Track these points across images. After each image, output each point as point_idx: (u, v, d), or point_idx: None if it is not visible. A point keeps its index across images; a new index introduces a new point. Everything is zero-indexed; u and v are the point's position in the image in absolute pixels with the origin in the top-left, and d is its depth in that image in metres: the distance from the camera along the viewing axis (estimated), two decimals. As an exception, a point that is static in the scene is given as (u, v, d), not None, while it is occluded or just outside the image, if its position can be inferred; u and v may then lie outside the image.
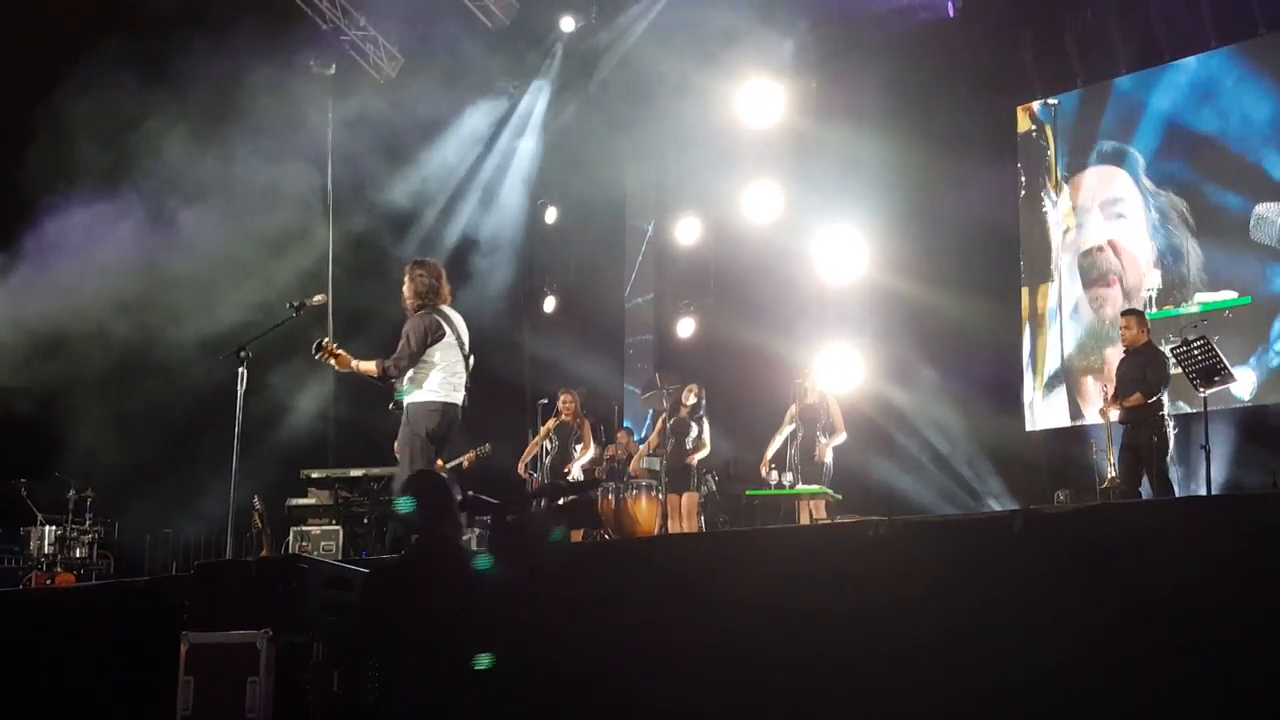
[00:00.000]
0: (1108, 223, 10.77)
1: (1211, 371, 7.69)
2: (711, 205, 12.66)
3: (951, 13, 11.14)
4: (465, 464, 9.68)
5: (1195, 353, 7.76)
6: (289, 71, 11.41)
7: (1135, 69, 10.65)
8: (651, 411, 11.92)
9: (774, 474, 9.14)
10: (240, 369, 6.39)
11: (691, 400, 9.79)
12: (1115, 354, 9.18)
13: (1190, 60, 10.34)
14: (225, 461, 6.44)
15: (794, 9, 11.62)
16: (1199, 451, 7.93)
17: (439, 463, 6.75)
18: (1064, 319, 10.90)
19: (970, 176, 10.85)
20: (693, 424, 9.74)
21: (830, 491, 9.05)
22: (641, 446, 10.49)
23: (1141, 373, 8.17)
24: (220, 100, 10.67)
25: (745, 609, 3.84)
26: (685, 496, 9.61)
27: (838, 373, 10.55)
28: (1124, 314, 8.62)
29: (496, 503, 4.40)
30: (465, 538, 6.19)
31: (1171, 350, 8.10)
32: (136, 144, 10.42)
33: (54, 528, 10.48)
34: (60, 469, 10.66)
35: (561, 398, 10.23)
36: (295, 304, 6.72)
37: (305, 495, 10.16)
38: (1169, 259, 10.31)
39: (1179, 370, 7.99)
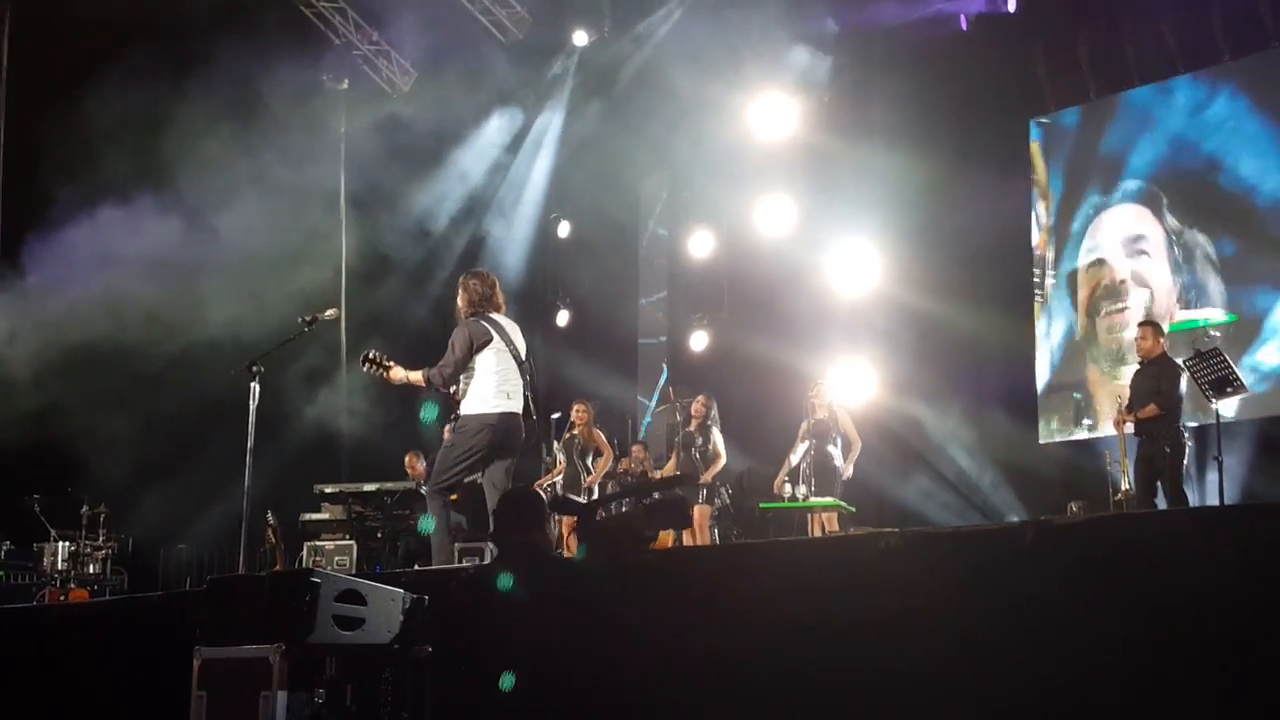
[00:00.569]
0: (1130, 260, 10.71)
1: (1224, 383, 7.70)
2: (725, 219, 12.68)
3: (964, 26, 11.15)
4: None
5: (1208, 364, 7.77)
6: (303, 86, 11.49)
7: (1148, 81, 10.63)
8: (667, 425, 11.91)
9: (788, 487, 9.13)
10: (252, 384, 6.41)
11: (700, 412, 9.78)
12: (1130, 370, 9.15)
13: (1201, 74, 10.33)
14: (238, 475, 6.45)
15: (807, 23, 11.64)
16: (1213, 463, 7.91)
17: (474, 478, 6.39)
18: (1077, 335, 10.90)
19: (983, 189, 10.85)
20: (699, 436, 9.73)
21: (843, 504, 9.03)
22: (664, 467, 10.41)
23: (1156, 384, 8.14)
24: (234, 113, 10.74)
25: (753, 621, 3.83)
26: (697, 510, 9.59)
27: (851, 386, 10.53)
28: (1140, 325, 8.61)
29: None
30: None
31: (1185, 361, 8.08)
32: (148, 157, 10.48)
33: (67, 543, 10.53)
34: (74, 485, 10.71)
35: (575, 409, 10.23)
36: (307, 319, 6.72)
37: (318, 510, 10.17)
38: (1192, 294, 10.25)
39: (1194, 382, 7.98)
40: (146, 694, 5.43)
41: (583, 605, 4.03)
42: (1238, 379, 7.72)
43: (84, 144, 10.24)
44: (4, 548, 10.76)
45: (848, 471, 9.18)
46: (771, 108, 11.57)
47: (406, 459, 10.69)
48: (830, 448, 9.20)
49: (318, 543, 9.81)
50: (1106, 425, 9.69)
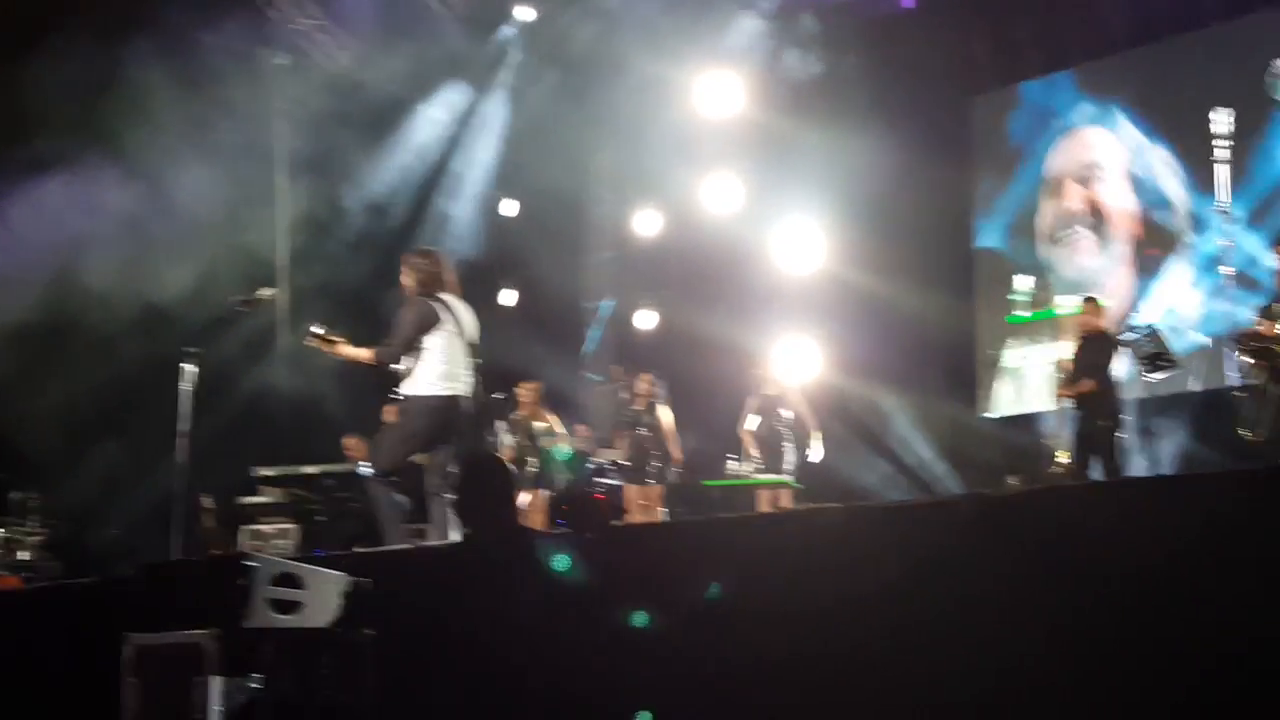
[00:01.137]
0: (1082, 186, 10.82)
1: (1157, 358, 7.87)
2: (672, 197, 12.64)
3: (909, 3, 11.20)
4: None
5: (1143, 340, 7.95)
6: (237, 60, 11.22)
7: (1090, 59, 10.75)
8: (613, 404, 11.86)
9: (731, 463, 9.14)
10: (185, 365, 6.23)
11: (646, 390, 9.74)
12: (1070, 342, 9.29)
13: (1143, 50, 10.45)
14: (172, 458, 6.30)
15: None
16: (1147, 436, 8.10)
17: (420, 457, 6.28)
18: (1019, 308, 11.05)
19: (926, 168, 10.93)
20: (646, 414, 9.70)
21: (791, 481, 9.07)
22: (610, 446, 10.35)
23: (1095, 358, 8.28)
24: (165, 86, 10.44)
25: (692, 600, 3.83)
26: (647, 488, 9.53)
27: (797, 364, 10.58)
28: (1085, 300, 8.76)
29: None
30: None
31: (1119, 337, 8.24)
32: (75, 128, 10.13)
33: (-1, 529, 10.25)
34: (2, 470, 10.41)
35: (520, 389, 10.10)
36: (241, 299, 6.55)
37: (257, 493, 9.99)
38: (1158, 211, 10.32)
39: (1130, 356, 8.14)
40: (81, 682, 5.33)
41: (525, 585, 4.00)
42: (1170, 356, 7.92)
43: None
44: (-72, 539, 10.45)
45: (818, 455, 9.21)
46: (717, 85, 11.52)
47: (344, 441, 10.52)
48: (778, 425, 9.22)
49: (256, 526, 9.65)
50: (1046, 401, 9.84)
